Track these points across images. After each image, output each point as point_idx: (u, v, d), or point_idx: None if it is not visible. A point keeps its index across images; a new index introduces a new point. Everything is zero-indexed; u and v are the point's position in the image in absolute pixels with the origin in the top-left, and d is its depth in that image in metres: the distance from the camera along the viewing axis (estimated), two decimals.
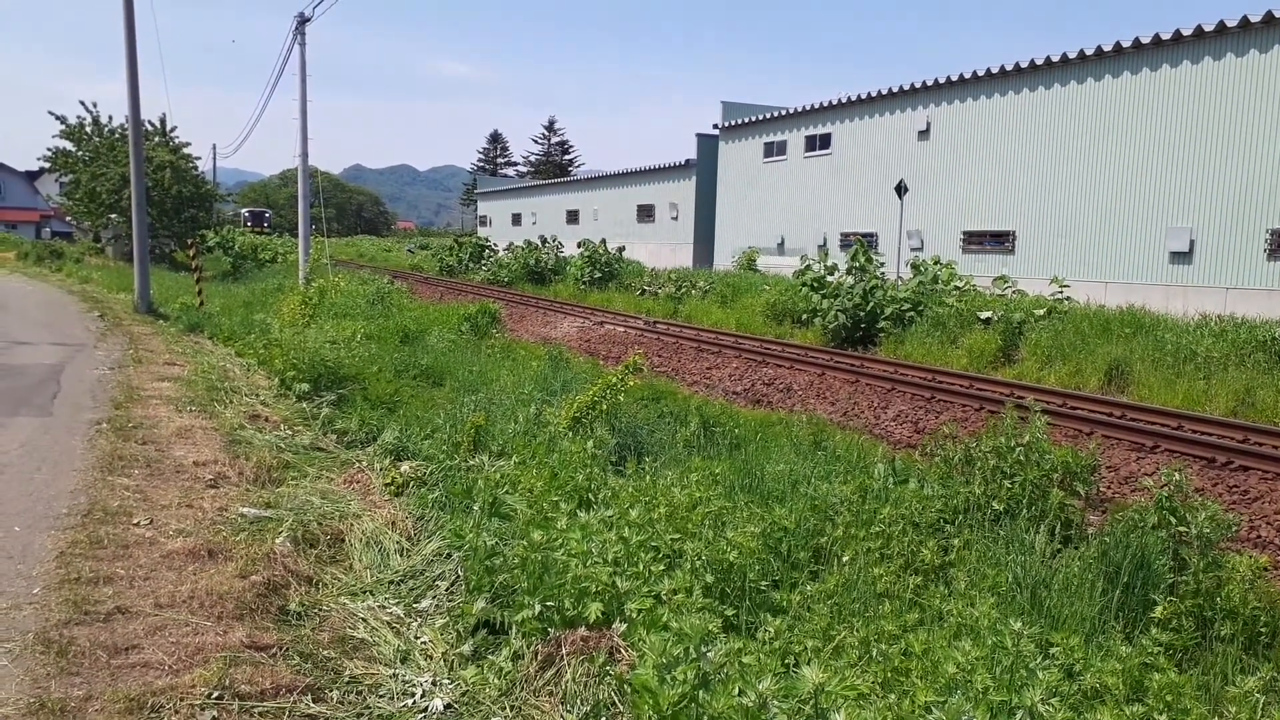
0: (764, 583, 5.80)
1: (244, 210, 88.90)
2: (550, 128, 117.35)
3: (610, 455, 8.27)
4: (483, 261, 43.67)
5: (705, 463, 7.66)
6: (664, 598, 5.04)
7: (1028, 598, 5.94)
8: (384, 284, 26.30)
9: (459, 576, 6.00)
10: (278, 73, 29.61)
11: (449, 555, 6.32)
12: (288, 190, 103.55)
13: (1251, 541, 7.70)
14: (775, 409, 13.62)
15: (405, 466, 8.42)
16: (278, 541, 6.29)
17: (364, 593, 5.88)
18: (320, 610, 5.54)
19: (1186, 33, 20.93)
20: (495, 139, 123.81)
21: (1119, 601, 5.88)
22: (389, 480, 8.09)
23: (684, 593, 5.13)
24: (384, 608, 5.65)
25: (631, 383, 9.63)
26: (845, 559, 6.40)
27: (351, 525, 6.90)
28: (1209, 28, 20.47)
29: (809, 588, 5.94)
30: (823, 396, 14.03)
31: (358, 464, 8.73)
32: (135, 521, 6.59)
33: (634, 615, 4.64)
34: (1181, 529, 6.22)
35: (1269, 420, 12.04)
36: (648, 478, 7.15)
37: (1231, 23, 19.98)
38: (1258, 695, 4.46)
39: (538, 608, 4.76)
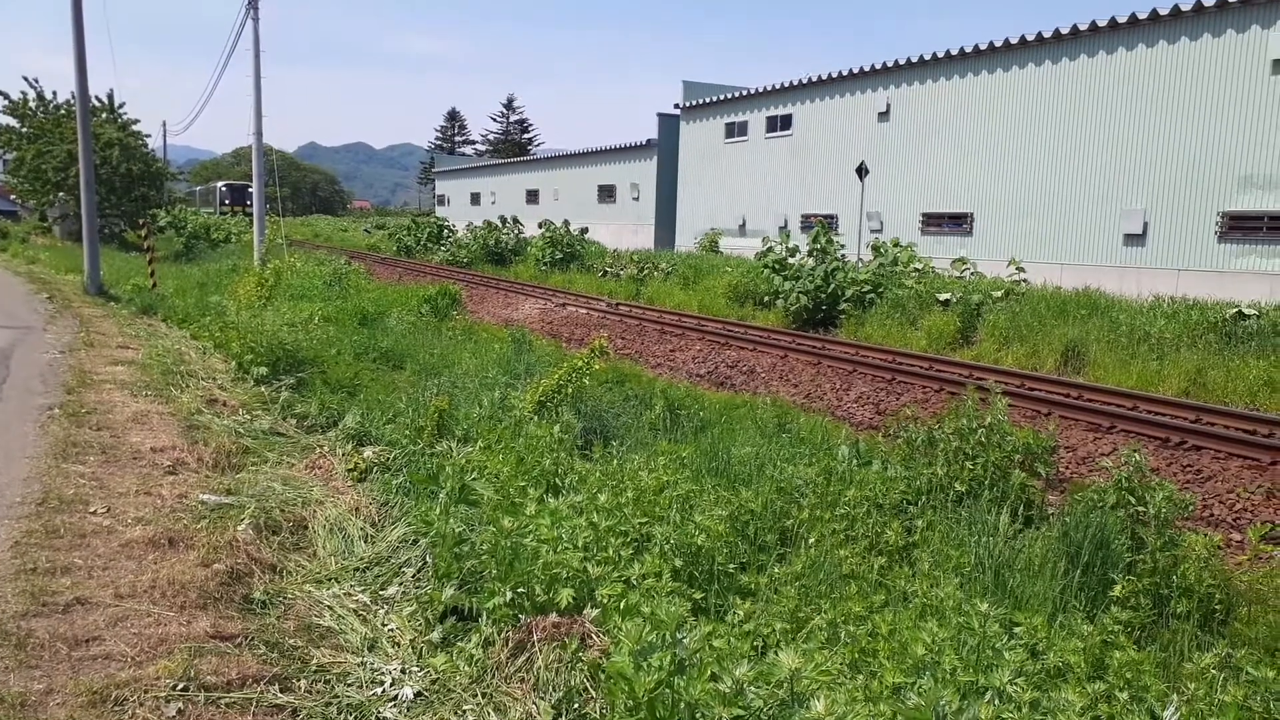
0: (732, 565, 5.83)
1: (220, 185, 75.04)
2: (509, 106, 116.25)
3: (576, 439, 8.25)
4: (441, 242, 43.22)
5: (672, 446, 7.67)
6: (634, 582, 5.04)
7: (991, 578, 6.03)
8: (341, 265, 25.93)
9: (425, 563, 5.95)
10: (230, 47, 29.02)
11: (415, 541, 6.26)
12: (240, 169, 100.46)
13: (1205, 520, 7.88)
14: (739, 391, 13.67)
15: (368, 452, 8.33)
16: (240, 529, 6.19)
17: (329, 580, 5.81)
18: (285, 598, 5.46)
19: (1143, 16, 21.21)
20: (453, 117, 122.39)
21: (1080, 581, 6.00)
22: (351, 466, 7.99)
23: (653, 577, 5.14)
24: (350, 595, 5.59)
25: (597, 366, 9.61)
26: (811, 541, 6.45)
27: (315, 511, 6.80)
28: (1164, 11, 20.77)
29: (776, 570, 5.98)
30: (785, 379, 14.11)
31: (319, 449, 8.61)
32: (92, 510, 6.44)
33: (605, 601, 4.63)
34: (1140, 509, 6.35)
35: (1220, 400, 12.32)
36: (615, 462, 7.14)
37: (1186, 7, 20.29)
38: (1214, 671, 4.57)
39: (509, 594, 4.73)
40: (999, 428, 7.79)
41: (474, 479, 6.46)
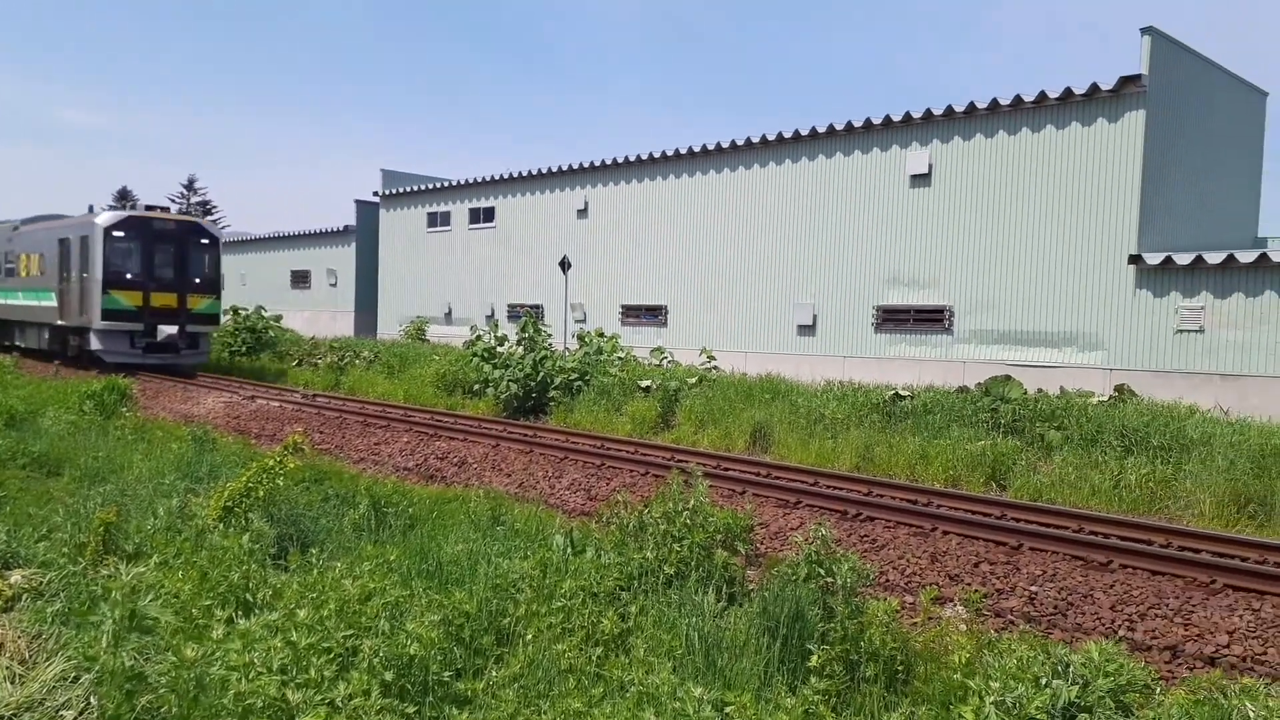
0: (447, 674, 5.55)
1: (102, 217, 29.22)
2: (190, 187, 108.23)
3: (270, 548, 7.58)
4: None
5: (378, 549, 7.26)
6: (340, 704, 4.65)
7: (702, 659, 6.19)
8: None
9: (90, 704, 5.14)
10: None
11: (77, 679, 5.40)
12: None
13: (883, 586, 8.65)
14: (451, 484, 13.34)
15: (16, 576, 7.14)
16: None
17: None
18: None
19: (804, 133, 23.92)
20: (124, 196, 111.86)
21: (780, 654, 6.31)
22: None
23: (361, 696, 4.77)
24: None
25: (291, 465, 8.94)
26: (529, 638, 6.32)
27: None
28: (822, 130, 23.55)
29: (494, 673, 5.78)
30: (498, 468, 13.96)
31: None
32: None
33: None
34: (829, 580, 6.83)
35: (885, 473, 13.75)
36: (315, 571, 6.63)
37: (840, 126, 23.14)
38: None
39: None
40: (702, 509, 8.12)
41: (147, 602, 5.71)
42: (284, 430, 17.26)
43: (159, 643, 5.41)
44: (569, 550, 8.02)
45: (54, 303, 26.90)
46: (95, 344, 24.72)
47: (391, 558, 7.12)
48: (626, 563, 7.67)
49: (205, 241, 26.30)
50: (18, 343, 30.70)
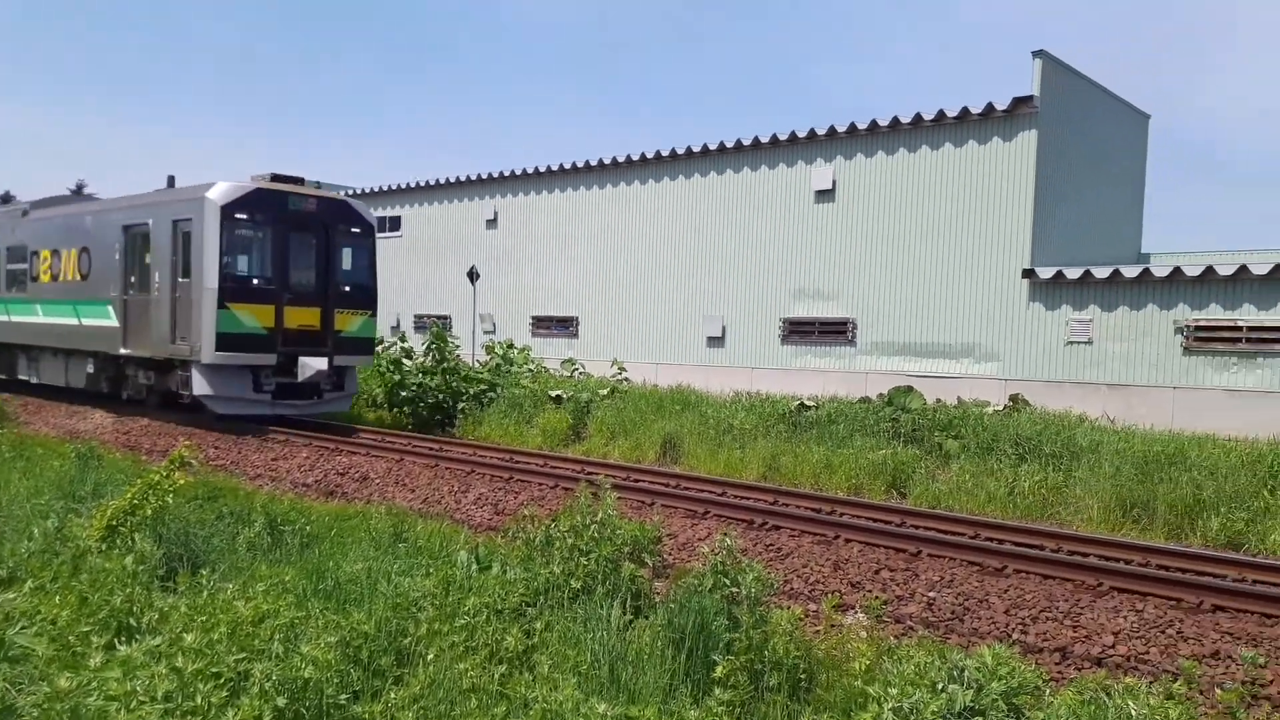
0: (344, 696, 5.39)
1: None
2: (79, 192, 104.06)
3: (158, 569, 7.26)
4: None
5: (273, 569, 7.02)
6: None
7: (607, 673, 6.14)
8: None
9: None
10: None
11: None
12: None
13: (787, 594, 8.74)
14: (352, 500, 13.01)
15: None
16: None
17: None
18: None
19: (713, 147, 24.20)
20: (5, 200, 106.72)
21: (685, 665, 6.31)
22: None
23: None
24: None
25: (180, 480, 8.58)
26: (430, 657, 6.18)
27: None
28: (730, 144, 23.87)
29: (393, 694, 5.63)
30: (402, 484, 13.67)
31: None
32: None
33: None
34: (734, 589, 6.86)
35: (791, 482, 13.95)
36: (205, 593, 6.36)
37: (747, 141, 23.49)
38: None
39: None
40: (610, 522, 8.08)
41: (18, 630, 5.39)
42: (177, 446, 16.57)
43: (32, 673, 5.11)
44: (474, 567, 7.90)
45: (113, 321, 18.46)
46: (201, 386, 16.58)
47: (287, 578, 6.91)
48: (533, 578, 7.58)
49: (356, 230, 18.04)
50: (22, 376, 22.60)
